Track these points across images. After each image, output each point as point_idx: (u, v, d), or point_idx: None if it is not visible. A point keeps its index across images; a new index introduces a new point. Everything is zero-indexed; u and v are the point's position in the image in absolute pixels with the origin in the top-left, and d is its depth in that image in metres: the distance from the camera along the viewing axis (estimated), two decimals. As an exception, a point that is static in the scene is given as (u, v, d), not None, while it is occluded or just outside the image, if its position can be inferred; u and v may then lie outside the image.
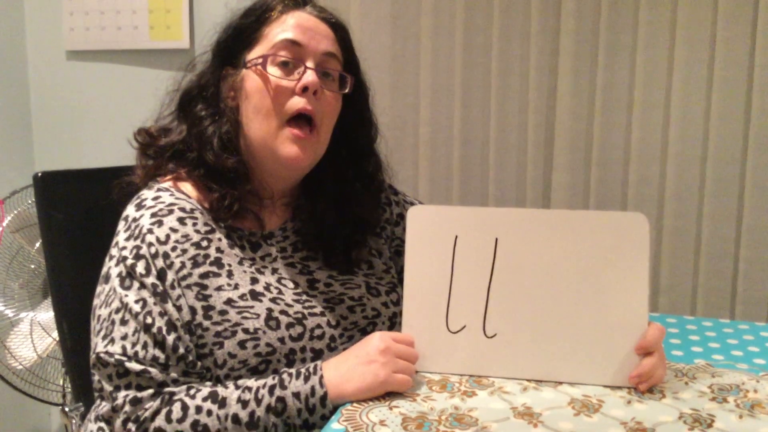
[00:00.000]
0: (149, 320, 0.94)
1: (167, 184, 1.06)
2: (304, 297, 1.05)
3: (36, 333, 1.88)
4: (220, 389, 0.93)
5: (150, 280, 0.96)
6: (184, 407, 0.91)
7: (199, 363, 0.96)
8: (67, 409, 1.28)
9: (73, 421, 1.27)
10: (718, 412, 0.89)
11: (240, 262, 1.02)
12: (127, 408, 0.91)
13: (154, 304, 0.95)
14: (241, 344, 0.96)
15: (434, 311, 0.99)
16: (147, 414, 0.91)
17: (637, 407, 0.90)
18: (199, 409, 0.91)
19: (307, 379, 0.93)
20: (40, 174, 1.26)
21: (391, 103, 1.95)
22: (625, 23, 1.77)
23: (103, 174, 1.43)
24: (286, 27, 1.04)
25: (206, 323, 0.96)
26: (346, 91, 1.08)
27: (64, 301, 1.27)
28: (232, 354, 0.96)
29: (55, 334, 1.83)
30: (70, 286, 1.27)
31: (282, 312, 1.00)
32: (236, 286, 1.00)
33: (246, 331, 0.97)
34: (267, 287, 1.02)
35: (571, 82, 1.81)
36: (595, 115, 1.82)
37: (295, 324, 1.00)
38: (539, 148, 1.87)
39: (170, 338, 0.94)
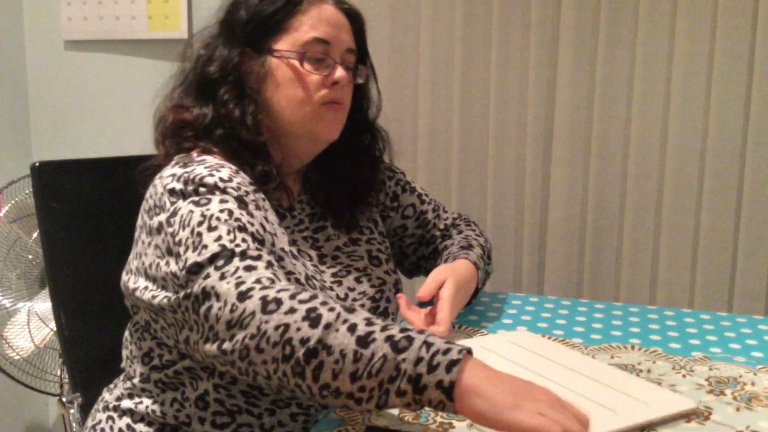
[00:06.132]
0: (242, 222, 0.90)
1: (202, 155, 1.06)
2: (317, 269, 1.10)
3: (33, 323, 1.88)
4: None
5: (231, 197, 0.93)
6: (312, 295, 0.81)
7: None
8: (64, 399, 1.28)
9: (71, 411, 1.27)
10: (715, 404, 0.89)
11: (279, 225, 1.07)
12: (240, 273, 0.82)
13: (241, 214, 0.91)
14: None
15: None
16: (274, 276, 0.83)
17: (634, 399, 0.90)
18: (324, 303, 0.80)
19: (449, 343, 0.77)
20: (37, 164, 1.25)
21: (389, 95, 1.94)
22: (625, 16, 1.77)
23: (101, 164, 1.44)
24: (314, 23, 1.09)
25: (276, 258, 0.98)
26: (360, 81, 1.16)
27: (61, 291, 1.27)
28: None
29: (53, 325, 1.83)
30: (68, 276, 1.27)
31: (312, 277, 1.06)
32: (282, 241, 1.03)
33: (297, 281, 1.01)
34: (295, 255, 1.06)
35: (570, 75, 1.81)
36: (594, 108, 1.81)
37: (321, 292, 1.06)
38: (538, 141, 1.87)
39: (268, 238, 0.92)
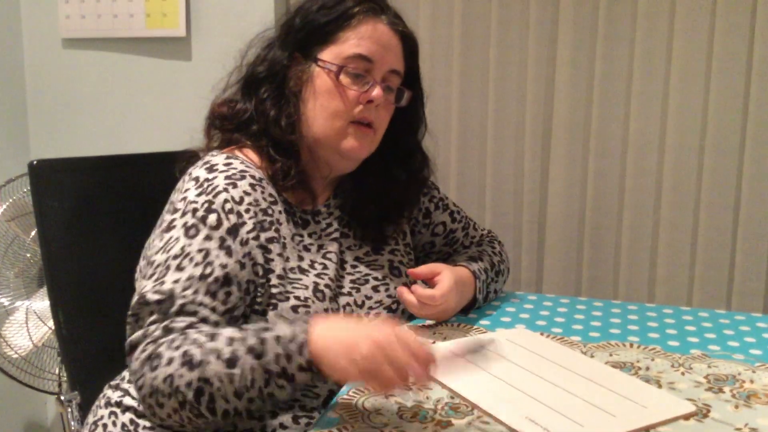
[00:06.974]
0: (208, 270, 0.95)
1: (235, 152, 1.11)
2: (338, 275, 1.12)
3: (31, 322, 1.88)
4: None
5: (219, 233, 0.99)
6: (186, 338, 0.89)
7: (249, 319, 1.01)
8: (62, 398, 1.28)
9: (69, 410, 1.27)
10: (714, 402, 0.90)
11: (292, 238, 1.08)
12: (157, 333, 0.90)
13: (217, 256, 0.97)
14: (294, 309, 1.02)
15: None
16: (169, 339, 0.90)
17: (633, 397, 0.90)
18: (194, 341, 0.88)
19: (292, 324, 0.88)
20: (35, 162, 1.25)
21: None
22: (623, 13, 1.76)
23: (99, 162, 1.43)
24: (361, 39, 1.10)
25: (264, 285, 1.01)
26: (402, 104, 1.16)
27: (59, 290, 1.26)
28: (285, 318, 1.00)
29: (51, 323, 1.82)
30: (66, 274, 1.27)
31: (326, 285, 1.07)
32: (288, 259, 1.06)
33: (297, 298, 1.03)
34: (311, 264, 1.09)
35: (569, 73, 1.81)
36: (593, 106, 1.81)
37: (334, 299, 1.08)
38: (537, 139, 1.87)
39: (221, 292, 0.95)
